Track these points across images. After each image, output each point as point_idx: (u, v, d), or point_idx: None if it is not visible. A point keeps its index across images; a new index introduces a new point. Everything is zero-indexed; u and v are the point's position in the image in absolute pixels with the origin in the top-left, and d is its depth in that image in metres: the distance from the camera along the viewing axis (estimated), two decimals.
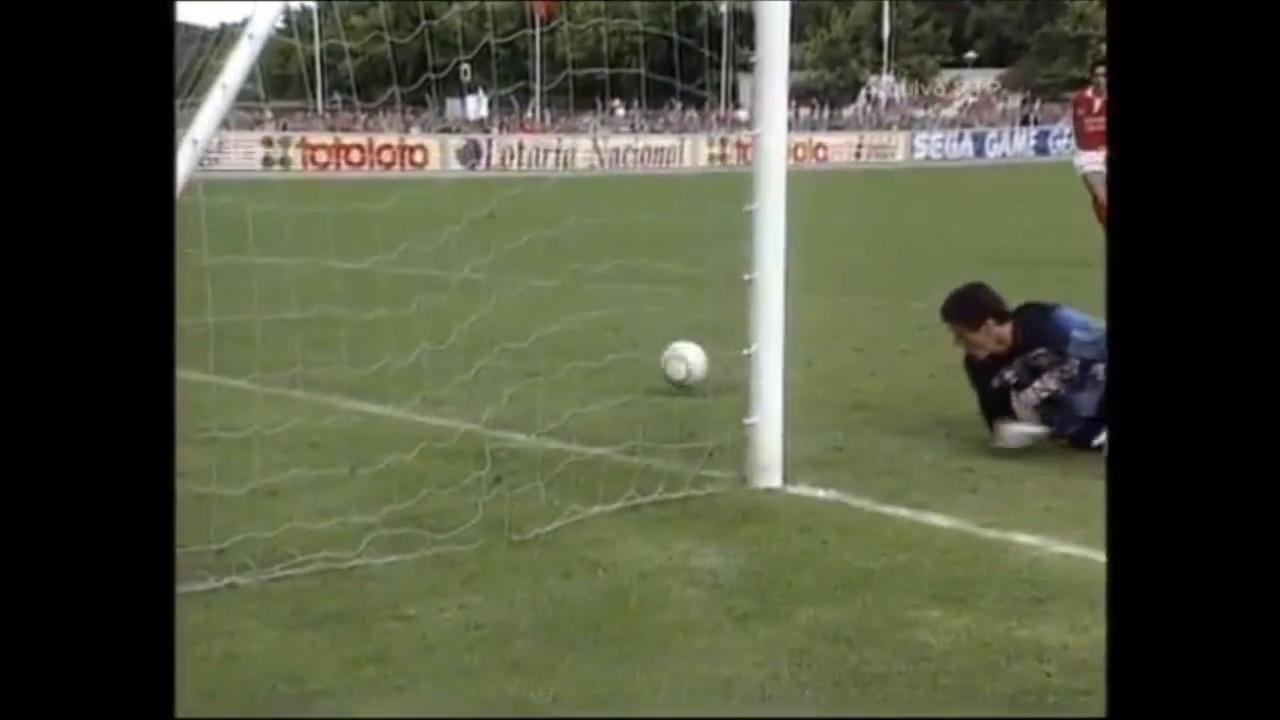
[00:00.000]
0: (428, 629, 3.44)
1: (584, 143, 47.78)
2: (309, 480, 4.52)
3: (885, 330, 8.68)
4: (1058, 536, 4.14)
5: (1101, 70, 13.70)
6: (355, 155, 42.13)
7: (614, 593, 3.70)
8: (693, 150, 47.66)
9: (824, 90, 68.31)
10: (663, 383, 6.43)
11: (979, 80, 72.18)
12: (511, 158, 44.98)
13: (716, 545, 4.13)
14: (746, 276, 4.74)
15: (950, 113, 65.12)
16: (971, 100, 68.33)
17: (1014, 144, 55.88)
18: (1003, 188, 29.33)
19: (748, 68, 4.95)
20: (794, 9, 4.74)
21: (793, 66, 4.95)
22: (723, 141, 46.49)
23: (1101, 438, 5.06)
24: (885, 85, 69.62)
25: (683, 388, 6.37)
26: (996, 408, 5.37)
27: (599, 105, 52.37)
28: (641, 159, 46.69)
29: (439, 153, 44.00)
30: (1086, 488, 4.54)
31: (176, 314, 2.11)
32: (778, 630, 3.40)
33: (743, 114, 49.92)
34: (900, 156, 53.10)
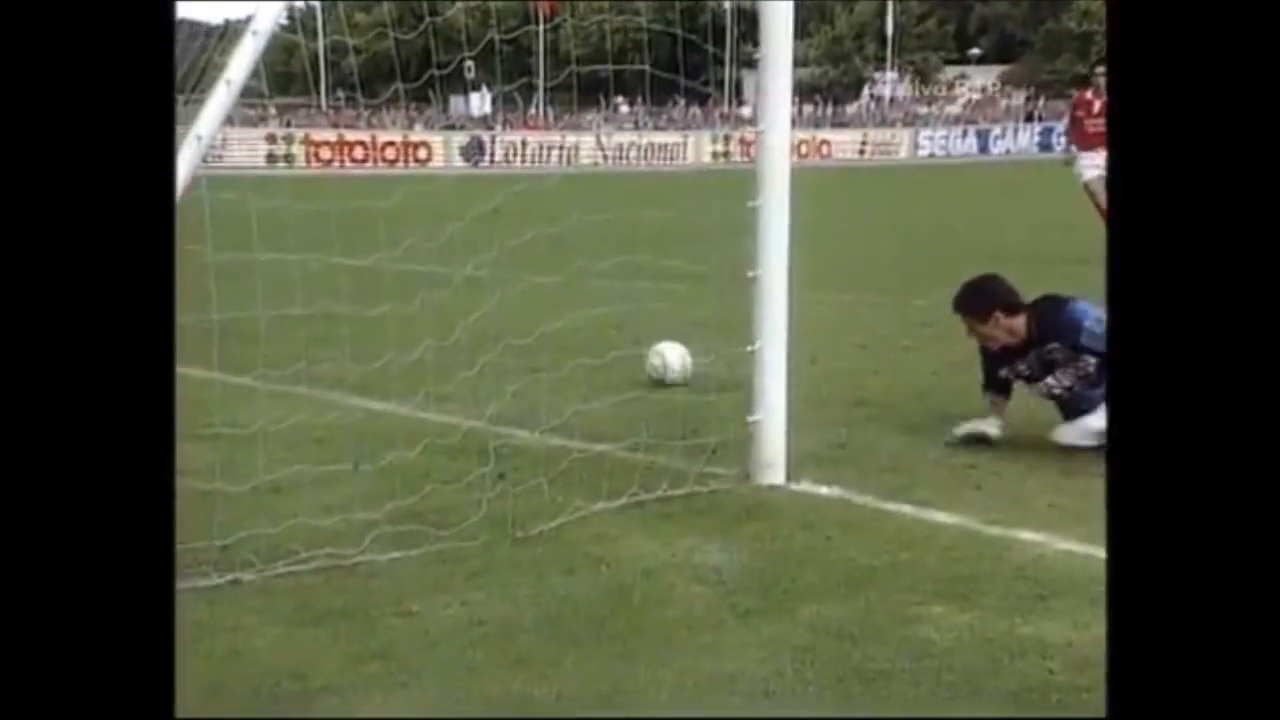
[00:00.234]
0: (431, 625, 3.44)
1: (587, 139, 47.72)
2: (312, 477, 4.52)
3: (889, 327, 8.68)
4: (1061, 533, 4.14)
5: (1101, 70, 13.68)
6: (359, 152, 42.11)
7: (617, 589, 3.70)
8: (696, 147, 47.60)
9: (828, 87, 68.26)
10: (666, 380, 6.46)
11: (983, 77, 72.08)
12: (515, 154, 44.95)
13: (720, 542, 4.13)
14: (750, 273, 4.74)
15: (954, 109, 65.02)
16: (975, 97, 68.24)
17: (1018, 140, 55.77)
18: (1007, 184, 29.32)
19: (751, 64, 4.94)
20: (798, 5, 4.73)
21: (796, 63, 4.93)
22: (726, 138, 46.50)
23: (1062, 432, 5.11)
24: (889, 82, 69.55)
25: (662, 384, 6.49)
26: (999, 389, 5.43)
27: (602, 102, 52.29)
28: (645, 156, 46.62)
29: (443, 149, 43.98)
30: (1090, 485, 4.54)
31: (177, 310, 2.11)
32: (781, 627, 3.40)
33: (746, 111, 49.89)
34: (904, 153, 53.01)
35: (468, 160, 43.38)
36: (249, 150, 37.40)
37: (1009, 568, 3.86)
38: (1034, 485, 4.75)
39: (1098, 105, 13.08)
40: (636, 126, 52.01)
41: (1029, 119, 59.30)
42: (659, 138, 49.37)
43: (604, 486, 4.55)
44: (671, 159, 46.82)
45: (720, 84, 55.18)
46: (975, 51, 74.40)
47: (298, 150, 41.19)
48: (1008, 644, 3.27)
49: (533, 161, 44.75)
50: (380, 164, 41.77)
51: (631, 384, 6.35)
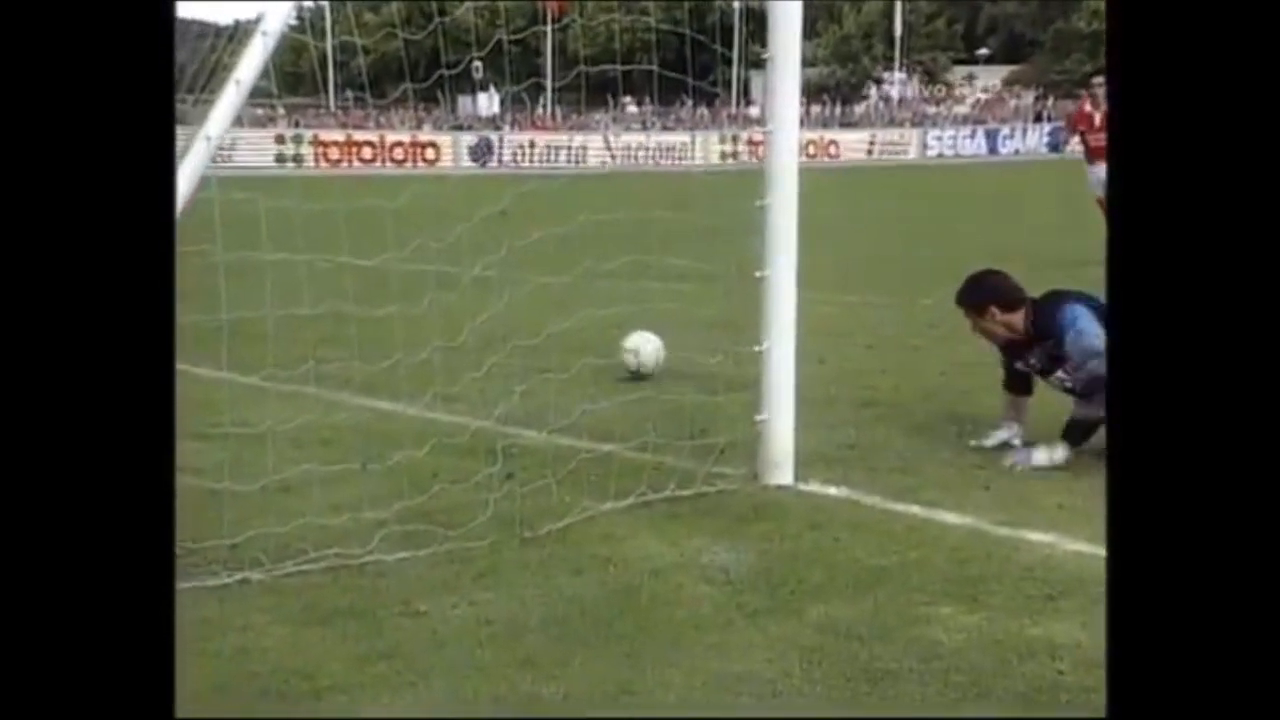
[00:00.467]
0: (439, 625, 3.44)
1: (595, 139, 47.68)
2: (321, 476, 4.53)
3: (896, 327, 8.67)
4: (1069, 534, 4.13)
5: (1098, 81, 13.58)
6: (367, 152, 42.17)
7: (625, 589, 3.70)
8: (704, 147, 47.49)
9: (836, 87, 68.21)
10: (674, 379, 6.46)
11: (991, 77, 71.98)
12: (523, 154, 44.97)
13: (728, 542, 4.13)
14: (758, 273, 4.74)
15: (963, 109, 64.90)
16: (984, 97, 68.13)
17: (1026, 141, 55.66)
18: (1015, 184, 29.26)
19: (759, 64, 4.94)
20: (806, 5, 4.73)
21: (804, 63, 4.93)
22: (734, 138, 46.32)
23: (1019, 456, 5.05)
24: (897, 82, 69.46)
25: (637, 376, 6.68)
26: (1018, 386, 5.43)
27: (610, 102, 52.31)
28: (653, 156, 46.55)
29: (451, 149, 44.03)
30: (1098, 485, 4.51)
31: (186, 309, 2.11)
32: (789, 627, 3.40)
33: (754, 111, 49.82)
34: (912, 153, 52.92)
35: (476, 160, 43.42)
36: (258, 150, 37.45)
37: (1017, 568, 3.85)
38: (1042, 485, 4.74)
39: (1098, 118, 12.98)
40: (644, 126, 51.98)
41: (1038, 119, 59.16)
42: (667, 138, 49.32)
43: (612, 486, 4.55)
44: (679, 159, 46.71)
45: (728, 84, 55.12)
46: (984, 51, 74.34)
47: (306, 150, 41.27)
48: (1016, 644, 3.27)
49: (541, 161, 44.75)
50: (388, 164, 41.82)
51: (639, 384, 6.35)
